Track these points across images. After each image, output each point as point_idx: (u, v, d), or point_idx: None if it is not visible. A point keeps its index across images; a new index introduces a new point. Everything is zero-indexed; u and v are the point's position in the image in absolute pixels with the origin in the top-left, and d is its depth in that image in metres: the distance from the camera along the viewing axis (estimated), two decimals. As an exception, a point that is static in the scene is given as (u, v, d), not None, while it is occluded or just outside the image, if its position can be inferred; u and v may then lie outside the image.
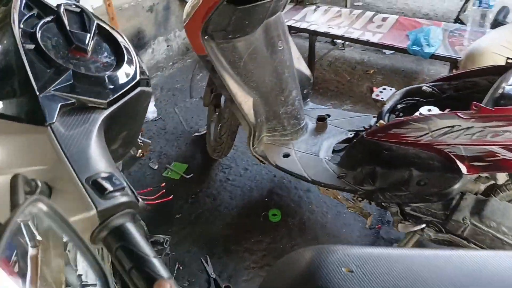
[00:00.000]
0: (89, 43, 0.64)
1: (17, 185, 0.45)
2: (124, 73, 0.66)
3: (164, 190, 1.17)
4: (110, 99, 0.62)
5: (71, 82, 0.59)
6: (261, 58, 2.00)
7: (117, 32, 0.71)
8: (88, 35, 0.65)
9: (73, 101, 0.58)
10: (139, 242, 0.52)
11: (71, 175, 0.51)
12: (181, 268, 2.05)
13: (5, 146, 0.53)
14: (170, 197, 1.16)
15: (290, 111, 2.15)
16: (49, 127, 0.54)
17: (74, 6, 0.67)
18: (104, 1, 2.14)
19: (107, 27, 0.70)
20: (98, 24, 0.69)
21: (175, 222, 2.29)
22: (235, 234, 2.21)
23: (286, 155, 2.12)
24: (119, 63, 0.66)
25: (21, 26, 0.59)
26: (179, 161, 2.70)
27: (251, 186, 2.49)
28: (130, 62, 0.69)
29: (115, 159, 0.82)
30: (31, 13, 0.63)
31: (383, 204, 1.79)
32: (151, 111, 3.10)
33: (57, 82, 0.58)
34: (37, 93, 0.55)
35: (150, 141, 0.99)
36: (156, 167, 2.67)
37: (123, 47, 0.69)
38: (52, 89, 0.57)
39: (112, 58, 0.67)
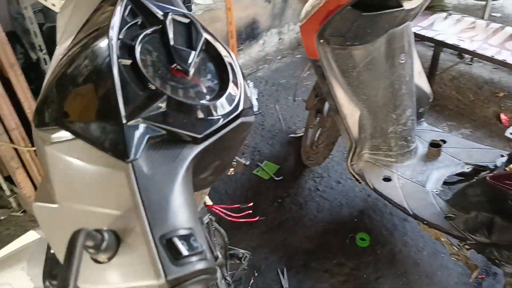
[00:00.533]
0: (192, 63, 0.53)
1: (76, 241, 0.37)
2: (226, 102, 0.55)
3: (250, 211, 1.08)
4: (206, 133, 0.51)
5: (164, 109, 0.50)
6: (378, 70, 1.81)
7: (226, 49, 0.60)
8: (193, 53, 0.55)
9: (163, 133, 0.49)
10: None
11: (145, 229, 0.42)
12: (256, 274, 1.98)
13: (80, 173, 0.46)
14: (256, 218, 1.08)
15: (400, 131, 1.93)
16: (130, 164, 0.45)
17: (182, 15, 0.58)
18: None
19: (216, 43, 0.60)
20: (206, 39, 0.58)
21: (257, 224, 2.22)
22: (317, 250, 2.08)
23: (387, 179, 1.92)
24: (222, 89, 0.55)
25: (121, 36, 0.51)
26: (271, 161, 2.62)
27: (341, 202, 2.32)
28: (235, 88, 0.57)
29: (203, 186, 0.74)
30: (135, 21, 0.55)
31: (496, 260, 1.53)
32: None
33: (149, 108, 0.48)
34: (124, 121, 0.45)
35: (244, 161, 0.93)
36: (248, 163, 2.62)
37: (229, 69, 0.58)
38: (142, 116, 0.47)
39: (216, 82, 0.56)
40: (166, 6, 0.61)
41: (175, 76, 0.55)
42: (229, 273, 1.34)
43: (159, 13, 0.57)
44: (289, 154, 2.68)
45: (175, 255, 0.41)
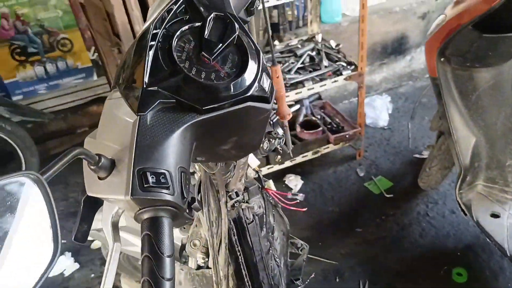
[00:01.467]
0: (217, 52, 0.70)
1: (72, 150, 0.57)
2: (236, 85, 0.69)
3: (298, 200, 1.18)
4: (208, 107, 0.67)
5: (178, 83, 0.67)
6: (501, 96, 1.69)
7: (256, 48, 0.76)
8: (220, 45, 0.71)
9: (172, 100, 0.66)
10: (162, 238, 0.58)
11: (130, 161, 0.60)
12: (337, 279, 2.03)
13: (113, 120, 0.66)
14: (304, 209, 1.17)
15: (522, 167, 1.75)
16: (139, 116, 0.63)
17: (224, 15, 0.74)
18: (360, 1, 2.19)
19: (250, 42, 0.75)
20: (238, 36, 0.74)
21: (353, 234, 2.25)
22: (406, 274, 2.01)
23: (496, 215, 1.76)
24: (237, 76, 0.70)
25: (167, 26, 0.70)
26: (386, 177, 2.58)
27: (449, 233, 2.18)
28: (250, 77, 0.72)
29: (230, 158, 0.90)
30: (183, 17, 0.73)
31: None
32: (383, 119, 3.04)
33: (168, 81, 0.66)
34: (144, 86, 0.64)
35: (288, 150, 1.01)
36: (362, 174, 2.64)
37: (251, 62, 0.72)
38: (160, 86, 0.65)
39: (234, 70, 0.71)
40: (215, 7, 0.77)
41: (202, 62, 0.71)
42: (289, 260, 1.45)
43: (204, 12, 0.74)
44: (407, 173, 2.60)
45: (143, 183, 0.58)
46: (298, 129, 2.60)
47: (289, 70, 2.41)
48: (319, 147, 2.58)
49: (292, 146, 2.38)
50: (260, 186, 1.22)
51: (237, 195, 1.06)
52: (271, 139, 1.07)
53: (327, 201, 2.48)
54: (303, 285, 1.58)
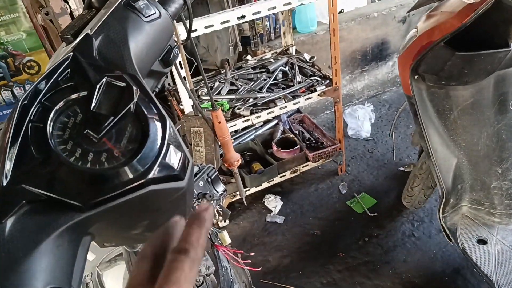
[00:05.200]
0: (107, 128, 0.56)
1: None
2: (134, 167, 0.55)
3: (249, 261, 1.06)
4: (92, 202, 0.53)
5: (54, 176, 0.53)
6: (481, 116, 1.56)
7: (161, 113, 0.61)
8: (112, 118, 0.57)
9: (43, 198, 0.52)
10: None
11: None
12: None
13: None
14: (259, 269, 1.04)
15: (507, 188, 1.63)
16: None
17: (119, 78, 0.60)
18: (329, 13, 2.04)
19: (153, 108, 0.61)
20: (137, 103, 0.59)
21: (336, 259, 2.12)
22: (391, 303, 1.89)
23: (482, 241, 1.64)
24: (136, 153, 0.56)
25: (44, 99, 0.56)
26: (370, 194, 2.46)
27: (436, 255, 2.06)
28: (152, 153, 0.57)
29: (145, 239, 0.76)
30: (68, 84, 0.59)
31: None
32: (365, 130, 2.91)
33: (36, 173, 0.52)
34: (4, 184, 0.51)
35: (229, 211, 0.93)
36: (344, 191, 2.52)
37: (153, 134, 0.58)
38: (28, 180, 0.51)
39: (132, 147, 0.57)
40: (112, 67, 0.63)
41: (89, 141, 0.56)
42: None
43: (93, 78, 0.59)
44: (391, 189, 2.48)
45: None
46: (275, 147, 2.47)
47: (261, 88, 2.28)
48: (298, 165, 2.45)
49: (245, 190, 2.26)
50: (211, 242, 1.09)
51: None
52: (204, 202, 0.94)
53: (308, 223, 2.36)
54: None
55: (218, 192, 1.00)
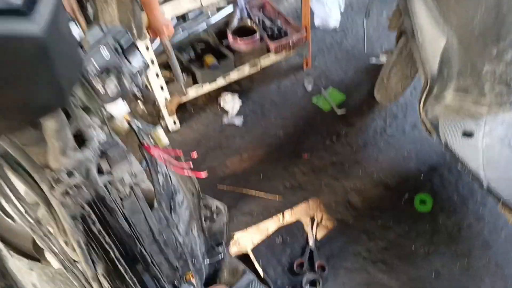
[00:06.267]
0: None
1: None
2: None
3: (195, 157, 0.77)
4: None
5: None
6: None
7: None
8: None
9: None
10: None
11: None
12: (282, 219, 1.72)
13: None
14: (204, 174, 0.77)
15: (501, 72, 1.38)
16: None
17: None
18: None
19: None
20: None
21: (300, 161, 1.91)
22: (361, 206, 1.72)
23: (468, 134, 1.43)
24: None
25: None
26: (338, 89, 2.19)
27: (411, 153, 1.87)
28: None
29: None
30: None
31: None
32: (334, 19, 2.56)
33: None
34: None
35: (153, 95, 0.68)
36: (310, 88, 2.24)
37: None
38: None
39: None
40: None
41: None
42: (206, 225, 1.09)
43: None
44: (362, 84, 2.22)
45: None
46: (231, 38, 2.10)
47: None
48: (258, 57, 2.12)
49: (184, 77, 1.91)
50: (139, 142, 0.79)
51: (71, 174, 0.63)
52: (112, 79, 0.62)
53: (270, 124, 2.10)
54: (226, 250, 1.24)
55: (133, 66, 0.68)
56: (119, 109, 0.72)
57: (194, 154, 0.82)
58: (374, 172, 1.82)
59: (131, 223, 0.78)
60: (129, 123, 0.76)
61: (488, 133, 1.42)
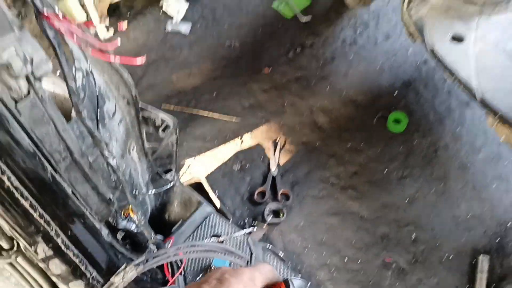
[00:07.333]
0: None
1: None
2: None
3: (117, 44, 0.49)
4: None
5: None
6: None
7: None
8: None
9: None
10: None
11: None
12: (241, 142, 1.49)
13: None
14: (142, 60, 0.50)
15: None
16: None
17: None
18: None
19: None
20: None
21: (259, 77, 1.66)
22: (329, 127, 1.52)
23: (458, 38, 1.23)
24: None
25: None
26: (302, -7, 1.89)
27: (383, 66, 1.65)
28: None
29: None
30: None
31: None
32: None
33: None
34: None
35: None
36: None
37: None
38: None
39: None
40: None
41: None
42: (149, 146, 0.83)
43: None
44: (330, -14, 1.92)
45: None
46: None
47: None
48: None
49: None
50: (35, 9, 0.49)
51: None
52: None
53: (223, 33, 1.79)
54: (176, 177, 1.00)
55: None
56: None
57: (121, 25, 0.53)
58: (343, 89, 1.60)
59: (33, 138, 0.52)
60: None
61: (480, 37, 1.21)
